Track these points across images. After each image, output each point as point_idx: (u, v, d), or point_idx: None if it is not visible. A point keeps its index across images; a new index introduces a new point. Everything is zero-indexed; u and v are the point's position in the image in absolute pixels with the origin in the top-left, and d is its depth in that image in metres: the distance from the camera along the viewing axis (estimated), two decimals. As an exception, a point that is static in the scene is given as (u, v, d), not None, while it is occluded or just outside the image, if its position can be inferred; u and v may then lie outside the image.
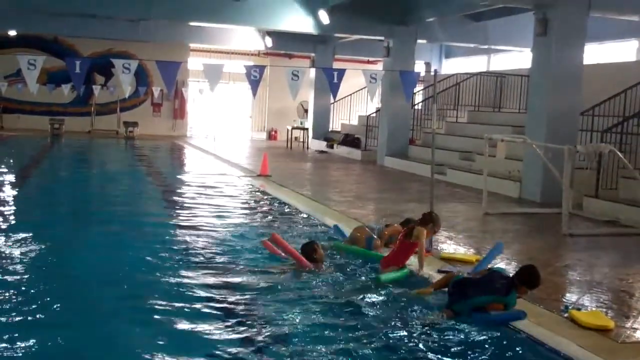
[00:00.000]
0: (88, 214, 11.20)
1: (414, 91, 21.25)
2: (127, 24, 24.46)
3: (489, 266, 7.23)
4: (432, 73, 11.19)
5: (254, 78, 10.89)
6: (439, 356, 5.20)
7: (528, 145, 12.93)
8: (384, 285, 6.86)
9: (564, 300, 6.70)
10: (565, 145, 10.54)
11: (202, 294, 6.49)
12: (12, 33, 26.19)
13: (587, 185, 12.29)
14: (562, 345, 5.33)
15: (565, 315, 6.05)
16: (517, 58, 23.88)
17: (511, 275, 6.18)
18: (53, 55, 24.71)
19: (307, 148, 26.84)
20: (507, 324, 5.84)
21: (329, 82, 11.04)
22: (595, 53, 19.24)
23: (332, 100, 26.84)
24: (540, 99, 13.71)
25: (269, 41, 26.49)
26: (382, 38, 20.94)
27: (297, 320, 5.80)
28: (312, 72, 25.91)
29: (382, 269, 7.42)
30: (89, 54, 27.54)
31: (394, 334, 5.59)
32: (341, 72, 10.98)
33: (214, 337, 5.42)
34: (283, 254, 7.82)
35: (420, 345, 5.37)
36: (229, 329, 5.58)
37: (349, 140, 24.64)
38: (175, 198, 12.83)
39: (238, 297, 6.45)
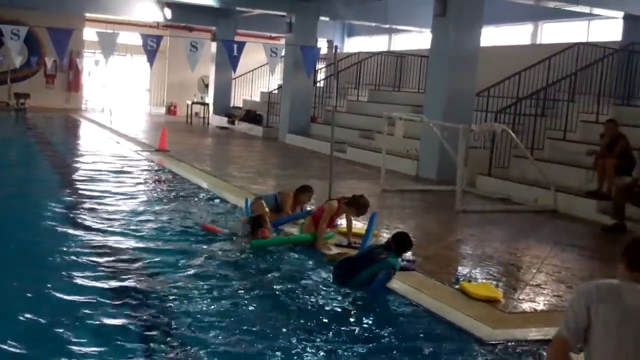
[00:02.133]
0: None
1: (317, 69, 21.30)
2: (19, -9, 23.27)
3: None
4: (333, 50, 11.20)
5: (151, 48, 10.64)
6: (338, 334, 5.12)
7: (425, 124, 13.18)
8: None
9: (456, 273, 6.88)
10: (461, 125, 10.80)
11: (90, 271, 6.25)
12: None
13: (481, 164, 12.64)
14: (452, 316, 5.47)
15: (457, 287, 6.21)
16: (417, 39, 24.27)
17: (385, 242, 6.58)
18: (-64, 21, 23.18)
19: (208, 124, 26.45)
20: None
21: (229, 55, 10.89)
22: (492, 36, 19.79)
23: (233, 75, 26.50)
24: (438, 79, 13.96)
25: (168, 12, 25.83)
26: (284, 13, 20.79)
27: (198, 299, 5.68)
28: (214, 46, 25.48)
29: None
30: (-25, 21, 26.00)
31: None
32: (241, 45, 10.86)
33: (106, 317, 5.21)
34: (224, 231, 7.95)
35: (316, 324, 5.30)
36: (119, 309, 5.40)
37: (251, 116, 24.42)
38: (66, 171, 12.34)
39: (127, 269, 6.32)
